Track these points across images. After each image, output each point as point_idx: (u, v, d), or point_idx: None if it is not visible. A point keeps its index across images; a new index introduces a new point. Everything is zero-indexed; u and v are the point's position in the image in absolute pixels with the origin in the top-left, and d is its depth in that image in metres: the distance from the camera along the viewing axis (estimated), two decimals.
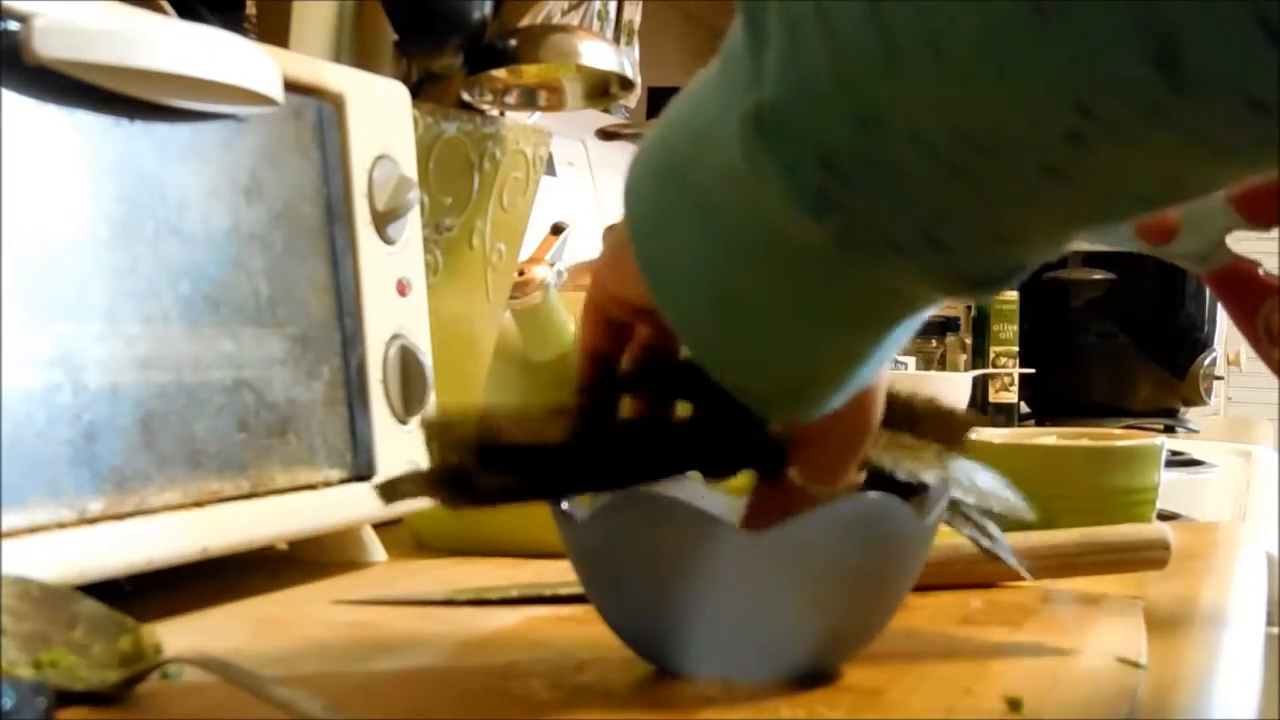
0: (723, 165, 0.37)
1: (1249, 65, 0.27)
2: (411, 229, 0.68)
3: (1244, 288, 0.57)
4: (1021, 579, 0.63)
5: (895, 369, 1.84)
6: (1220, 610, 0.61)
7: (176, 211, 0.55)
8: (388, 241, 0.66)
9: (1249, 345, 0.55)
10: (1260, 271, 0.58)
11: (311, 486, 0.61)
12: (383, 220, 0.66)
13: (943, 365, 1.95)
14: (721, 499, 0.54)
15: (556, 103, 0.92)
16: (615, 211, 1.81)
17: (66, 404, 0.49)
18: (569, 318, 1.04)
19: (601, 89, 0.91)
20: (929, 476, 0.46)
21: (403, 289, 0.67)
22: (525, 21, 0.90)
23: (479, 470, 0.42)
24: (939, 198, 0.33)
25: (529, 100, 0.91)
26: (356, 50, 0.81)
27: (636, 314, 0.45)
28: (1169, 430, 1.80)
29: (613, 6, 1.78)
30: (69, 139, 0.51)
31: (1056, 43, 0.29)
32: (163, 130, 0.55)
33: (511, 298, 0.97)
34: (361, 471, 0.64)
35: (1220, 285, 0.58)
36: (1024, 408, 1.91)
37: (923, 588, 0.58)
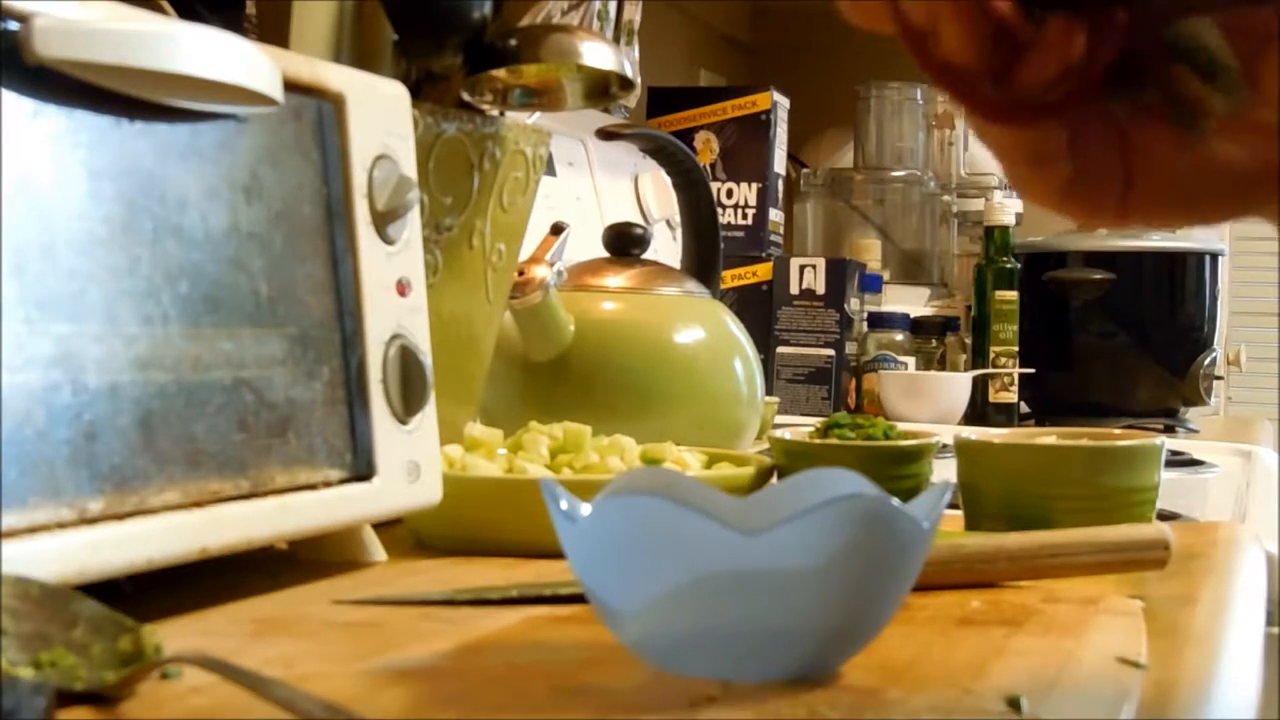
0: None
1: None
2: (411, 229, 0.68)
3: None
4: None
5: (894, 369, 1.84)
6: (1220, 610, 0.61)
7: (176, 211, 0.55)
8: (388, 241, 0.66)
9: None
10: None
11: (311, 486, 0.61)
12: (383, 220, 0.66)
13: (943, 365, 1.95)
14: (722, 499, 0.54)
15: (556, 103, 0.92)
16: (615, 211, 1.82)
17: (66, 404, 0.49)
18: (569, 318, 1.04)
19: (601, 89, 0.91)
20: None
21: (403, 289, 0.67)
22: (525, 21, 0.90)
23: None
24: None
25: (529, 100, 0.91)
26: (356, 50, 0.81)
27: None
28: (1169, 430, 1.80)
29: (613, 6, 1.78)
30: (69, 139, 0.51)
31: None
32: (163, 130, 0.55)
33: (511, 298, 0.97)
34: (361, 471, 0.64)
35: None
36: (1024, 408, 1.91)
37: (923, 588, 0.58)
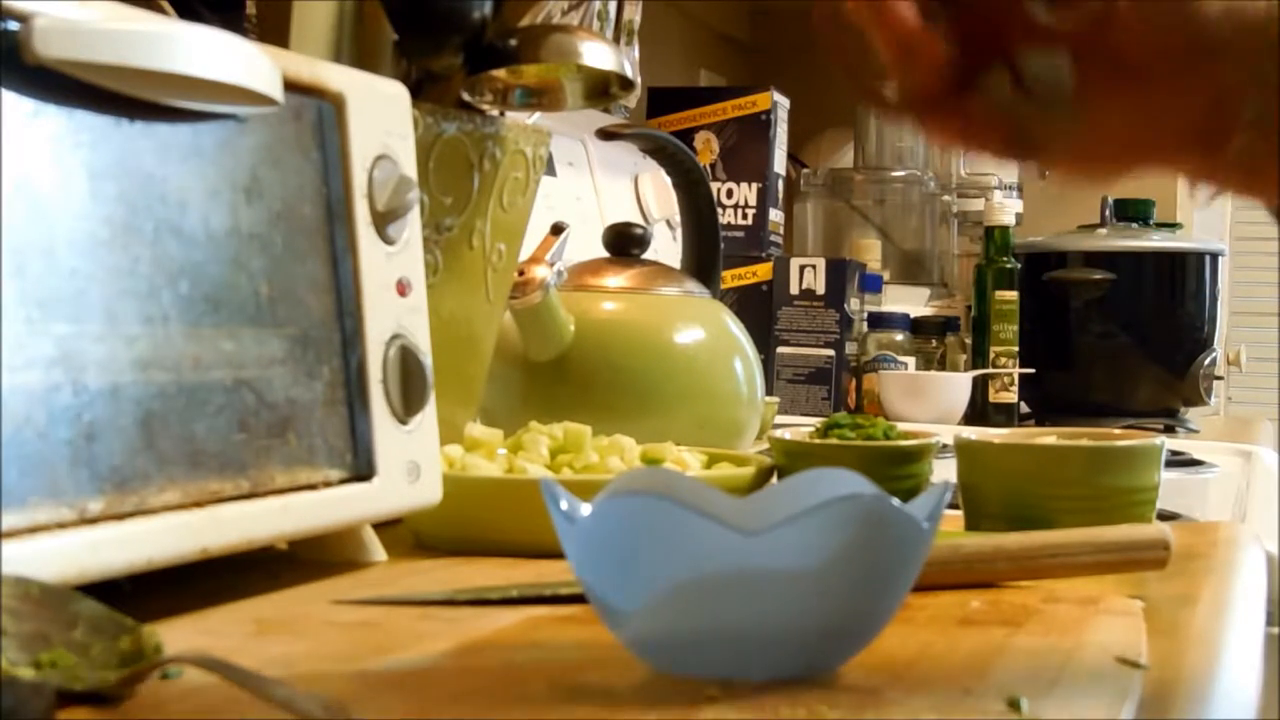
0: None
1: None
2: (411, 229, 0.68)
3: None
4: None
5: (894, 369, 1.84)
6: (1220, 610, 0.61)
7: (176, 211, 0.55)
8: (388, 241, 0.66)
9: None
10: None
11: (311, 486, 0.61)
12: (383, 220, 0.66)
13: (943, 365, 1.95)
14: (722, 499, 0.54)
15: (556, 103, 0.92)
16: (615, 211, 1.81)
17: (66, 404, 0.49)
18: (569, 318, 1.04)
19: (601, 89, 0.91)
20: None
21: (403, 289, 0.67)
22: (525, 21, 0.90)
23: None
24: None
25: (529, 100, 0.91)
26: (356, 50, 0.81)
27: None
28: (1169, 430, 1.80)
29: (613, 6, 1.78)
30: (69, 139, 0.51)
31: None
32: (163, 130, 0.55)
33: (511, 298, 0.97)
34: (361, 471, 0.64)
35: None
36: (1024, 408, 1.91)
37: (923, 588, 0.58)
